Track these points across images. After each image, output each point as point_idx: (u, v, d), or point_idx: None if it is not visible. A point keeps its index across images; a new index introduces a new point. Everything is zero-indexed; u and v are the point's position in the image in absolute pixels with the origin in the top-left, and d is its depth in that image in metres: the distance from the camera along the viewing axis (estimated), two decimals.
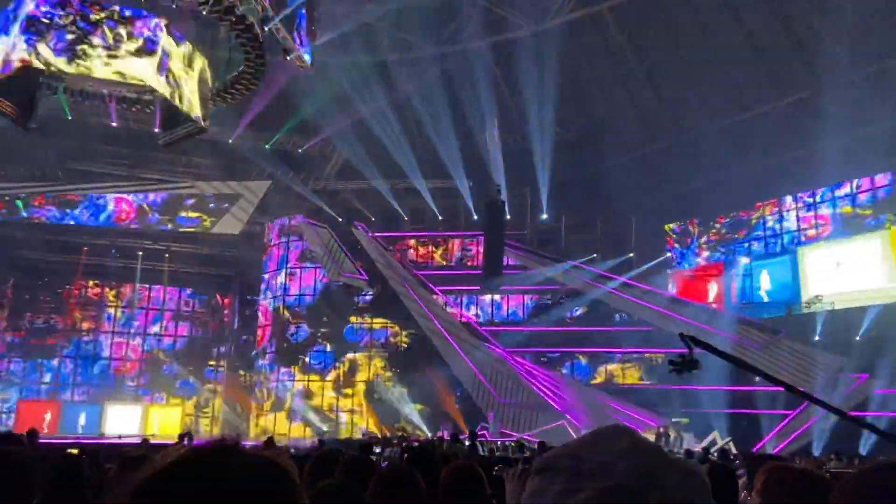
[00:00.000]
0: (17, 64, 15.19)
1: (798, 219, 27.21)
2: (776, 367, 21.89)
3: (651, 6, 25.06)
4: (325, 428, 28.51)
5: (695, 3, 24.75)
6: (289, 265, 31.94)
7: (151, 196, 31.17)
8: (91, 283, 33.15)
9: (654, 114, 27.81)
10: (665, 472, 1.10)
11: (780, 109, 25.05)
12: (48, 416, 28.78)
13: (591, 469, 1.10)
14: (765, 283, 27.45)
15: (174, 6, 16.96)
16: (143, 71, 16.43)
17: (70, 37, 15.59)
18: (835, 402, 18.78)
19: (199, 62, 18.45)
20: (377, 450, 14.99)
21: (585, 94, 28.39)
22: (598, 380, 28.25)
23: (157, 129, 19.32)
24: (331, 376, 30.67)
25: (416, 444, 15.46)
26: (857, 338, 22.67)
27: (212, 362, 34.58)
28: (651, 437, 20.00)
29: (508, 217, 27.71)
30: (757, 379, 22.52)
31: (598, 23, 25.92)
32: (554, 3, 25.27)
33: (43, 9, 15.46)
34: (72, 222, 30.60)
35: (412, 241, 31.56)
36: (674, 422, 23.47)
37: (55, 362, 32.19)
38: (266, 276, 32.80)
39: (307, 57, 18.29)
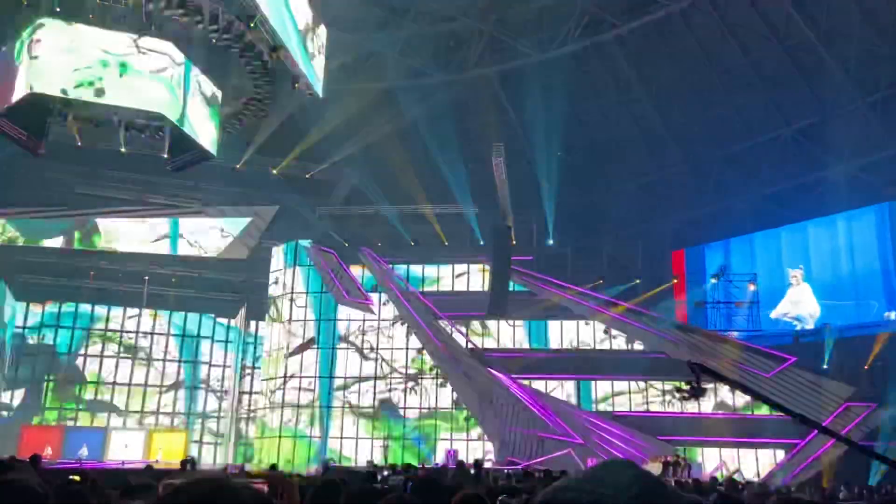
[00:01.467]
0: (25, 92, 15.36)
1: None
2: (784, 395, 21.65)
3: (656, 35, 25.23)
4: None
5: (700, 31, 24.92)
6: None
7: (159, 220, 31.23)
8: (97, 307, 33.08)
9: (660, 140, 27.86)
10: None
11: (787, 136, 25.11)
12: (51, 444, 28.56)
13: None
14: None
15: (185, 34, 17.16)
16: (154, 97, 16.59)
17: (83, 65, 15.76)
18: (843, 431, 18.62)
19: (210, 89, 18.62)
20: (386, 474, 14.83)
21: (591, 121, 28.51)
22: (605, 407, 27.94)
23: (165, 155, 19.39)
24: None
25: (420, 472, 15.31)
26: (866, 367, 22.45)
27: (216, 387, 34.42)
28: (658, 467, 19.74)
29: (514, 242, 27.66)
30: (753, 408, 22.36)
31: (603, 51, 26.11)
32: (560, 31, 25.52)
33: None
34: (77, 247, 30.63)
35: (418, 267, 31.43)
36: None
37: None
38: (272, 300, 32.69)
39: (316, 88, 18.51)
